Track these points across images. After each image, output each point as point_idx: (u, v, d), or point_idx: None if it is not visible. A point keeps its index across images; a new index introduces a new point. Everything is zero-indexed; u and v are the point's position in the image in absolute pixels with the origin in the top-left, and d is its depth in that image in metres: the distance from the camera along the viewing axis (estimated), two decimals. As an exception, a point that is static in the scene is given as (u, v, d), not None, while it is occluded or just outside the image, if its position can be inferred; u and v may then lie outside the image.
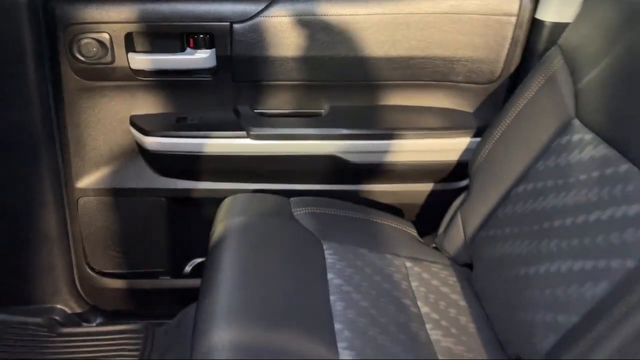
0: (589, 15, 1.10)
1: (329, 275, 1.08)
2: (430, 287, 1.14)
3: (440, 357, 0.97)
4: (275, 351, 0.87)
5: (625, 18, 1.00)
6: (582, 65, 1.07)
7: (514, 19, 1.21)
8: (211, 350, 0.86)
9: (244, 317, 0.92)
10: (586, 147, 1.01)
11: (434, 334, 1.02)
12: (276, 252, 1.10)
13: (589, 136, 1.02)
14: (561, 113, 1.08)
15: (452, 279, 1.18)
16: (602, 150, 0.97)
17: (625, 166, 0.91)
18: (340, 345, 0.93)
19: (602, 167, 0.96)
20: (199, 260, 1.46)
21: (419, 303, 1.09)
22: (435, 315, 1.07)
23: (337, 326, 0.96)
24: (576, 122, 1.06)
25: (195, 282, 1.23)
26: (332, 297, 1.03)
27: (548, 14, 1.19)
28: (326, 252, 1.14)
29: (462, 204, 1.25)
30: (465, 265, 1.24)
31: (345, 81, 1.29)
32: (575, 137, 1.04)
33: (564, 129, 1.07)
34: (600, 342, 0.78)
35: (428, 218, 1.36)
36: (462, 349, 1.01)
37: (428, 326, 1.04)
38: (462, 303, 1.12)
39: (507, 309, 1.02)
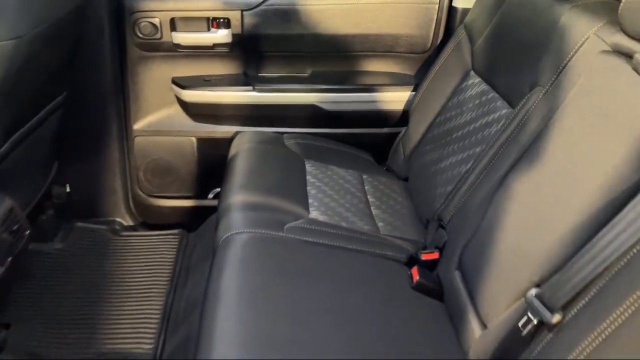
0: (480, 1, 1.64)
1: (307, 177, 1.61)
2: (377, 188, 1.67)
3: (377, 221, 1.50)
4: (270, 207, 1.41)
5: (497, 1, 1.54)
6: (475, 35, 1.61)
7: (436, 7, 1.75)
8: (229, 206, 1.40)
9: (250, 190, 1.46)
10: (474, 87, 1.54)
11: (375, 211, 1.55)
12: (271, 163, 1.64)
13: (477, 80, 1.55)
14: (463, 67, 1.62)
15: (394, 186, 1.71)
16: (482, 87, 1.51)
17: (492, 94, 1.45)
18: (311, 209, 1.46)
19: (480, 97, 1.49)
20: (217, 189, 1.99)
21: (368, 196, 1.62)
22: (378, 203, 1.60)
23: (310, 200, 1.50)
24: (472, 72, 1.59)
25: (214, 203, 1.75)
26: (308, 187, 1.56)
27: (459, 3, 1.73)
28: (307, 165, 1.67)
29: (403, 135, 1.78)
30: (404, 180, 1.76)
31: (322, 52, 1.83)
32: (470, 82, 1.58)
33: (464, 77, 1.60)
34: (459, 192, 1.31)
35: (382, 153, 1.88)
36: (392, 219, 1.54)
37: (372, 207, 1.57)
38: (399, 198, 1.65)
39: (423, 192, 1.56)
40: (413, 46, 1.81)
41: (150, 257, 1.82)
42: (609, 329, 0.76)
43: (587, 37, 1.10)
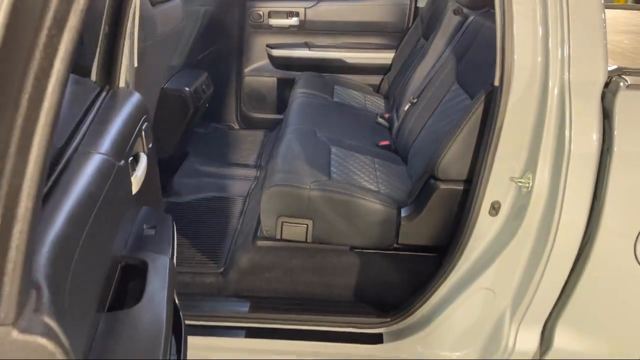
0: (427, 1, 3.15)
1: (334, 91, 3.13)
2: (371, 101, 3.17)
3: (367, 107, 3.00)
4: (315, 94, 2.94)
5: None
6: (423, 18, 3.12)
7: (408, 6, 3.28)
8: (295, 92, 2.94)
9: (305, 88, 3.00)
10: (420, 44, 3.05)
11: (367, 104, 3.06)
12: (316, 86, 3.17)
13: (423, 41, 3.05)
14: (417, 36, 3.13)
15: (380, 100, 3.21)
16: (423, 42, 3.01)
17: (421, 41, 2.95)
18: (334, 96, 2.99)
19: (422, 48, 2.99)
20: (287, 112, 3.54)
21: (366, 102, 3.12)
22: (370, 104, 3.10)
23: (334, 94, 3.02)
24: (421, 38, 3.10)
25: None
26: (334, 93, 3.08)
27: (420, 3, 3.26)
28: (335, 88, 3.19)
29: (388, 75, 3.29)
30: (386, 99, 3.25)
31: (346, 30, 3.38)
32: (419, 42, 3.08)
33: (417, 41, 3.11)
34: (400, 84, 2.81)
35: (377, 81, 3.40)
36: (375, 107, 3.04)
37: (366, 105, 3.07)
38: (382, 104, 3.15)
39: (391, 95, 3.05)
40: (396, 28, 3.35)
41: (248, 143, 3.36)
42: (423, 104, 2.25)
43: (450, 6, 2.60)
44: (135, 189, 1.15)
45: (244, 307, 1.95)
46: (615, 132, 1.48)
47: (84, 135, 1.00)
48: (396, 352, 1.87)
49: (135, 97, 1.36)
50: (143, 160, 1.25)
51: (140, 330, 0.92)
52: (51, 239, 0.64)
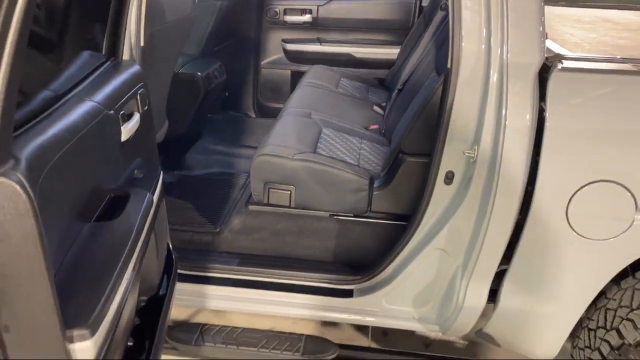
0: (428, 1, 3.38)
1: (340, 82, 3.38)
2: (374, 91, 3.41)
3: (368, 96, 3.24)
4: (320, 84, 3.20)
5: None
6: (425, 15, 3.34)
7: (413, 5, 3.51)
8: (303, 79, 3.20)
9: (313, 79, 3.26)
10: (422, 38, 3.27)
11: (370, 95, 3.30)
12: (324, 77, 3.43)
13: (424, 34, 3.28)
14: (420, 32, 3.34)
15: (381, 91, 3.44)
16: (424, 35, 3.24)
17: (422, 36, 3.18)
18: (338, 88, 3.24)
19: (424, 42, 3.22)
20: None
21: (369, 93, 3.37)
22: (373, 94, 3.34)
23: (338, 86, 3.28)
24: (424, 33, 3.32)
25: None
26: (338, 85, 3.34)
27: (424, 2, 3.48)
28: (342, 80, 3.44)
29: (393, 68, 3.53)
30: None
31: (355, 27, 3.63)
32: (422, 37, 3.31)
33: (420, 35, 3.33)
34: (398, 72, 3.04)
35: (383, 79, 3.63)
36: (376, 97, 3.27)
37: (368, 94, 3.31)
38: (383, 94, 3.38)
39: (392, 87, 3.28)
40: (402, 25, 3.58)
41: (260, 129, 3.63)
42: (407, 91, 2.48)
43: (441, 3, 2.82)
44: (124, 137, 1.44)
45: (234, 262, 2.22)
46: (547, 111, 1.69)
47: (82, 88, 1.29)
48: (364, 305, 2.11)
49: (135, 67, 1.65)
50: (135, 117, 1.53)
51: (115, 236, 1.20)
52: (36, 142, 0.92)
